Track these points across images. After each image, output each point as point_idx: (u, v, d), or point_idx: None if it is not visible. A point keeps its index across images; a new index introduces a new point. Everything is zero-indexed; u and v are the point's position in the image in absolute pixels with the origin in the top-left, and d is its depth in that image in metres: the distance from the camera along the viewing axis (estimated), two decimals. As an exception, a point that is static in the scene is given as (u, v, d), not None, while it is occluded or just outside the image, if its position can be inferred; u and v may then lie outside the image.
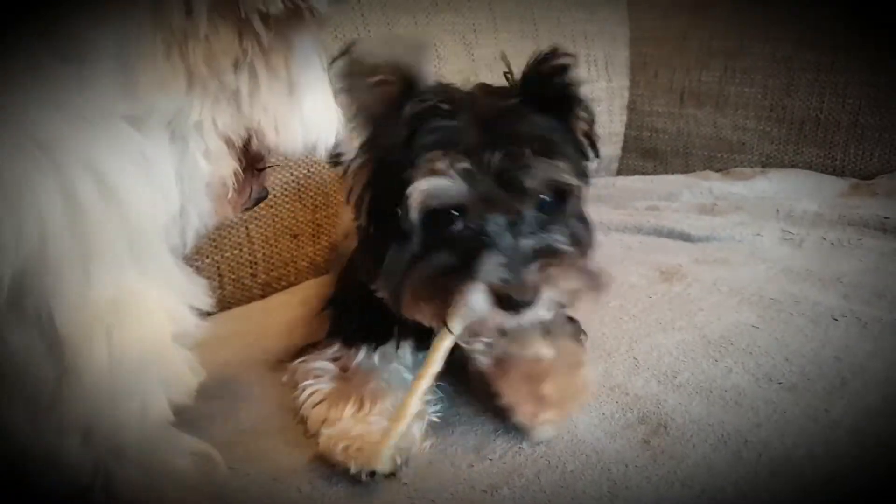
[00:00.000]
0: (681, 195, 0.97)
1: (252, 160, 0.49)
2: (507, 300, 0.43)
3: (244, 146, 0.47)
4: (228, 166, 0.46)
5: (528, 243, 0.44)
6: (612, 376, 0.55)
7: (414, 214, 0.44)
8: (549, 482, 0.45)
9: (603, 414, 0.51)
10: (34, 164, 0.33)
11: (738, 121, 1.07)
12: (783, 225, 0.82)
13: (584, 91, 0.49)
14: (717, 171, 1.07)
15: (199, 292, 0.42)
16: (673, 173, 1.11)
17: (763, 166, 1.04)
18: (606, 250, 0.78)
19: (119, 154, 0.36)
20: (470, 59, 0.98)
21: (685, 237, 0.83)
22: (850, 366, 0.54)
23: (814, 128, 1.01)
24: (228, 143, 0.45)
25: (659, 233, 0.86)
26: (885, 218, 0.79)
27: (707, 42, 1.11)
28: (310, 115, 0.47)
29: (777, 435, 0.47)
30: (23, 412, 0.35)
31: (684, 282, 0.71)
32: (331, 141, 0.49)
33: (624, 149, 1.18)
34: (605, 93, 1.13)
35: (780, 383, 0.53)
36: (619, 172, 1.18)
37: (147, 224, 0.37)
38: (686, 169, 1.11)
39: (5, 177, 0.32)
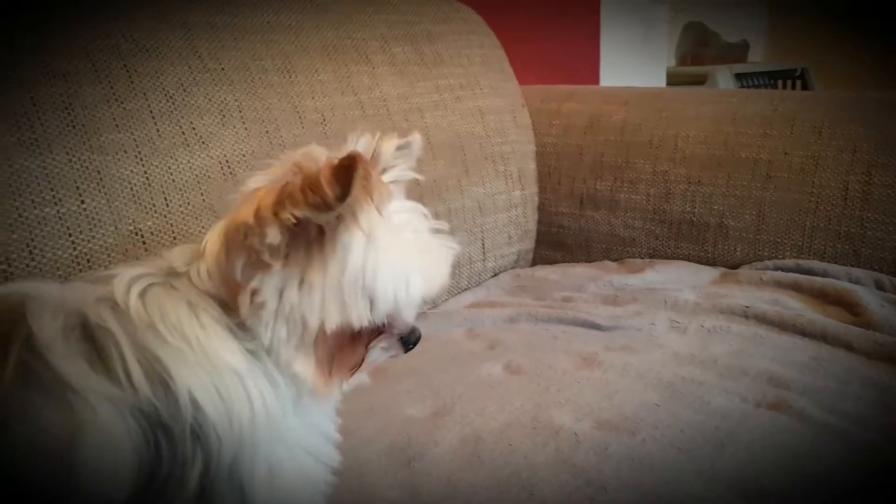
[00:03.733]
0: (588, 287, 1.14)
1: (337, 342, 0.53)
2: None
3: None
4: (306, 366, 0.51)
5: None
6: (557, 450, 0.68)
7: None
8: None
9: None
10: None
11: (628, 221, 1.28)
12: (671, 314, 0.99)
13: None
14: (614, 260, 1.27)
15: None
16: (578, 261, 1.30)
17: (649, 257, 1.25)
18: (537, 339, 0.92)
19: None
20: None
21: (597, 327, 0.97)
22: (727, 433, 0.70)
23: (688, 227, 1.23)
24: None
25: (575, 323, 0.99)
26: (746, 307, 0.98)
27: (598, 158, 1.32)
28: (377, 288, 0.50)
29: (678, 488, 0.63)
30: None
31: (601, 368, 0.84)
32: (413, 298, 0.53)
33: (537, 242, 1.37)
34: (520, 198, 1.31)
35: (678, 448, 0.68)
36: (534, 262, 1.36)
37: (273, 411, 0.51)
38: (588, 258, 1.30)
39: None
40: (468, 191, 1.21)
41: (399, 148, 0.57)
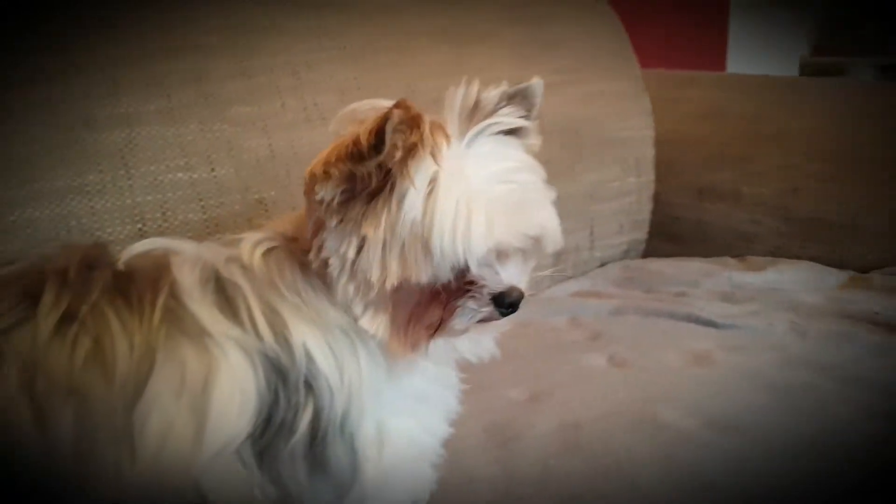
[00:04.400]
0: (704, 283, 1.09)
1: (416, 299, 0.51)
2: None
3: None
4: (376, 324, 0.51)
5: None
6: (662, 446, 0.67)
7: None
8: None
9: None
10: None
11: (751, 216, 1.21)
12: (791, 316, 0.93)
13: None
14: (734, 257, 1.20)
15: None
16: (693, 256, 1.23)
17: (772, 255, 1.17)
18: (645, 333, 0.90)
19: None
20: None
21: (711, 324, 0.93)
22: (840, 444, 0.67)
23: (817, 226, 1.15)
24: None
25: (688, 319, 0.95)
26: (876, 313, 0.92)
27: (721, 148, 1.26)
28: (437, 238, 0.48)
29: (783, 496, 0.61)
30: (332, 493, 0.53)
31: (713, 366, 0.81)
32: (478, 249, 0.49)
33: (650, 233, 1.31)
34: (634, 186, 1.27)
35: (788, 455, 0.65)
36: (646, 254, 1.31)
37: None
38: (705, 253, 1.23)
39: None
40: (580, 176, 1.18)
41: (511, 95, 0.55)
